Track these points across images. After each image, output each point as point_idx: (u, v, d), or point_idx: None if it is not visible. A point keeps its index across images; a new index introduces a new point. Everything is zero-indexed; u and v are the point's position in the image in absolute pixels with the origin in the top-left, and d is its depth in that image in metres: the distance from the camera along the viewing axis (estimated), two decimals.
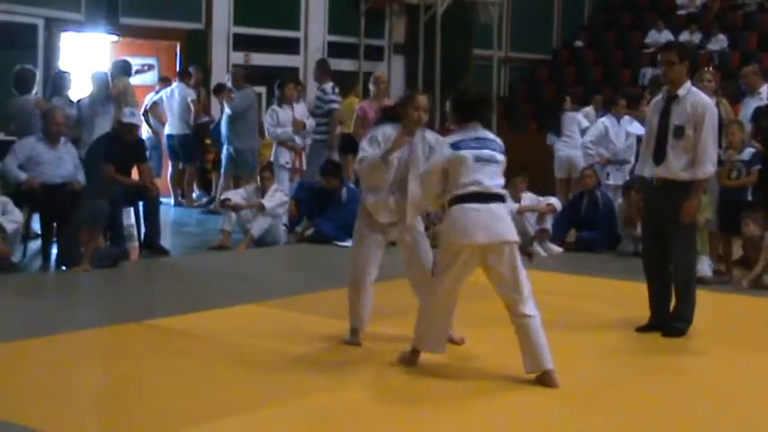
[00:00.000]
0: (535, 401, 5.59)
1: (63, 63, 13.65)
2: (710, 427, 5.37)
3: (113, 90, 11.71)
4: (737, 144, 9.63)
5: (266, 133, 12.82)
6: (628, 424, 5.32)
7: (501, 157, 5.96)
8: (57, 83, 11.63)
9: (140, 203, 10.48)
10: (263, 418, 5.20)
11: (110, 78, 12.04)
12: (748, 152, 9.62)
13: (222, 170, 13.62)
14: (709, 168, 7.01)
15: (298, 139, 12.64)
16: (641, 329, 7.22)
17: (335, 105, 13.11)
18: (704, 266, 9.02)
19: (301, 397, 5.57)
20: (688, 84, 7.11)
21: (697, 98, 7.05)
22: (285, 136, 12.49)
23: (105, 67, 13.07)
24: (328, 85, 13.26)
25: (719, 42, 18.95)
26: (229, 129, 13.33)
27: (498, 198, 5.91)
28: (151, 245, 10.40)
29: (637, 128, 12.04)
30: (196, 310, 7.61)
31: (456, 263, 5.86)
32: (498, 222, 5.82)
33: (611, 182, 12.24)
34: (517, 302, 5.83)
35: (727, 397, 5.85)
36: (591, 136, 12.47)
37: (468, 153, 5.83)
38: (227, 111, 13.35)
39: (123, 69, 12.56)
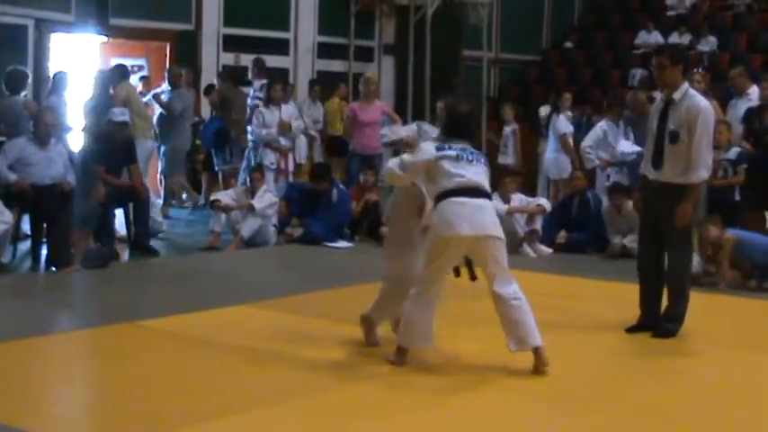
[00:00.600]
0: (530, 403, 5.61)
1: (53, 64, 13.64)
2: (708, 427, 5.37)
3: (117, 97, 11.70)
4: (724, 143, 9.67)
5: (252, 134, 12.88)
6: (625, 425, 5.32)
7: (485, 166, 6.12)
8: (55, 83, 11.71)
9: (130, 204, 10.49)
10: (257, 419, 5.19)
11: (111, 84, 12.12)
12: (734, 152, 9.67)
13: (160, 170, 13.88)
14: (702, 173, 6.98)
15: (283, 141, 12.66)
16: (631, 330, 7.23)
17: (258, 102, 13.18)
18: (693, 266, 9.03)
19: (294, 398, 5.57)
20: (684, 86, 7.04)
21: (692, 101, 6.98)
22: (269, 137, 12.51)
23: (105, 67, 13.12)
24: (257, 84, 13.39)
25: (709, 44, 19.00)
26: (162, 128, 13.40)
27: (485, 194, 6.02)
28: (141, 245, 10.41)
29: (627, 145, 11.91)
30: (187, 310, 7.60)
31: (442, 255, 5.95)
32: (483, 216, 5.93)
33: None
34: (503, 287, 5.93)
35: (723, 397, 5.87)
36: (589, 140, 12.43)
37: (451, 152, 6.00)
38: (161, 110, 13.40)
39: (122, 74, 12.55)
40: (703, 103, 7.07)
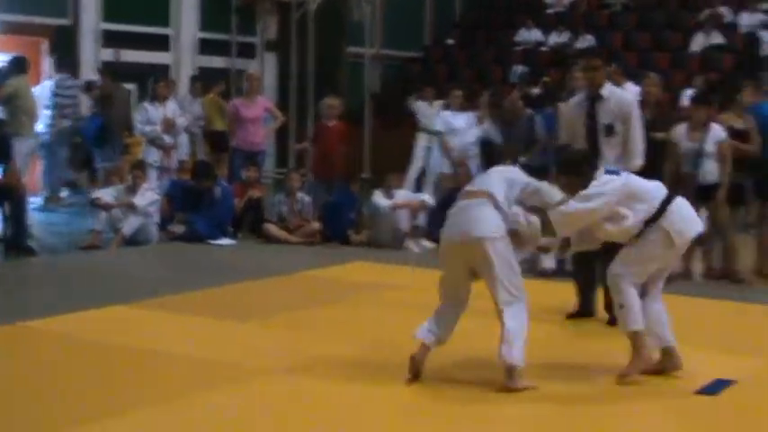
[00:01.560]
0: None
1: None
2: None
3: (1, 93, 11.36)
4: None
5: (136, 130, 12.72)
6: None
7: None
8: None
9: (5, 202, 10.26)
10: (140, 420, 5.14)
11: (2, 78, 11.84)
12: None
13: None
14: (638, 161, 7.39)
15: (167, 138, 12.53)
16: (570, 316, 7.57)
17: (70, 100, 13.30)
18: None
19: (178, 398, 5.52)
20: (608, 84, 7.60)
21: (620, 96, 7.60)
22: (153, 134, 12.38)
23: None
24: (59, 78, 13.31)
25: (587, 41, 19.37)
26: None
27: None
28: (17, 245, 10.17)
29: None
30: (67, 311, 7.45)
31: (662, 258, 6.04)
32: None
33: None
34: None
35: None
36: (471, 138, 12.49)
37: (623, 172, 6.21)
38: None
39: (18, 67, 12.12)
40: (630, 97, 7.75)
